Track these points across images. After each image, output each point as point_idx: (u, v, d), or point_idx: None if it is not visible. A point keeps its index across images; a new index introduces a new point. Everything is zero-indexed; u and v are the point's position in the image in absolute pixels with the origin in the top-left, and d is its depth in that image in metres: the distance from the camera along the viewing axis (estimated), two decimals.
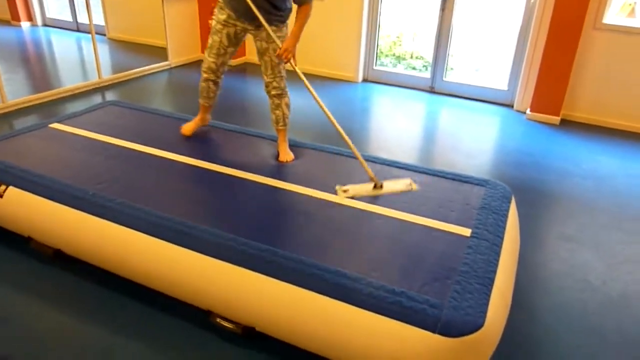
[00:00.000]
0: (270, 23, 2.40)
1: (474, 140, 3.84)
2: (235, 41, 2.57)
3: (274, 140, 2.78)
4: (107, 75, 4.94)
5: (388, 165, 2.56)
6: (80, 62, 5.96)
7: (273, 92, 2.62)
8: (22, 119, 3.91)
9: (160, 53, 5.57)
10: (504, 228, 2.00)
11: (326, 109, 2.51)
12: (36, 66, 5.74)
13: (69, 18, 7.33)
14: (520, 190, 3.05)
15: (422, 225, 2.02)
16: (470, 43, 6.21)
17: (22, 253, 2.24)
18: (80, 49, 6.48)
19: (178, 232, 1.88)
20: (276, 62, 2.52)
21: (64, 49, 6.52)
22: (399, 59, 5.54)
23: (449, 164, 3.41)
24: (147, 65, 5.32)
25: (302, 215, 2.07)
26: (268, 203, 2.17)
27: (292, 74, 2.59)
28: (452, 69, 5.22)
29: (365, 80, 5.28)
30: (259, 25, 2.45)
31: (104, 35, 6.78)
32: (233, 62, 5.66)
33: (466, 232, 1.95)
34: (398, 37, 5.61)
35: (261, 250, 1.77)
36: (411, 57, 5.49)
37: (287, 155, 2.62)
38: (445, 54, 4.79)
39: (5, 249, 2.27)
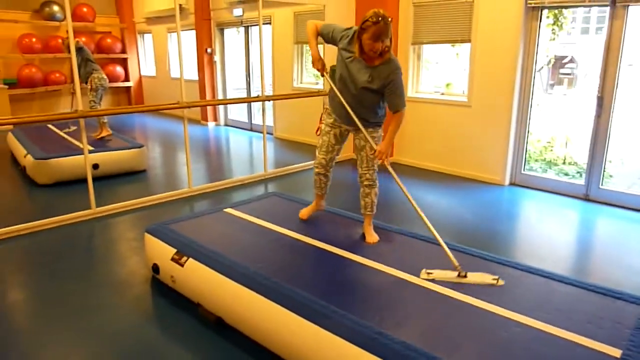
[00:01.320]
0: (366, 127, 2.85)
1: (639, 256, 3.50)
2: (341, 139, 3.06)
3: (430, 242, 2.87)
4: (271, 169, 5.65)
5: (529, 272, 2.50)
6: (249, 156, 6.91)
7: (365, 183, 2.98)
8: (200, 202, 4.65)
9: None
10: None
11: (414, 202, 2.77)
12: (215, 159, 6.80)
13: (245, 119, 8.62)
14: None
15: (565, 339, 1.93)
16: (633, 149, 5.78)
17: (193, 317, 2.63)
18: (251, 145, 7.53)
19: (320, 314, 2.08)
20: (371, 157, 2.91)
21: (238, 145, 7.64)
22: (549, 164, 5.39)
23: (606, 278, 3.15)
24: (305, 161, 5.96)
25: (437, 313, 2.13)
26: (406, 297, 2.27)
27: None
28: (611, 176, 4.90)
29: (512, 184, 5.21)
30: (358, 128, 2.87)
31: (271, 134, 7.81)
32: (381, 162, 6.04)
33: (616, 352, 1.82)
34: (549, 141, 5.50)
35: (394, 342, 1.87)
36: (563, 162, 5.30)
37: (372, 237, 2.95)
38: (602, 160, 4.55)
39: (180, 311, 2.70)
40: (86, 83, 5.90)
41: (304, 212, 3.26)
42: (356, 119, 2.83)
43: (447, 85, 5.92)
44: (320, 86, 6.85)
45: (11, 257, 3.45)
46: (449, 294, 2.29)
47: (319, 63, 2.89)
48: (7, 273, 3.23)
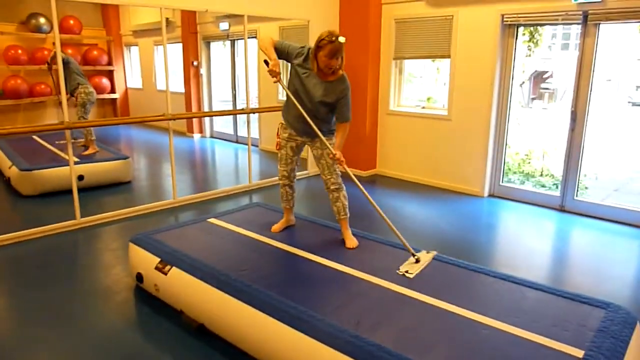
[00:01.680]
0: (324, 135, 3.05)
1: (611, 264, 3.62)
2: (297, 151, 3.24)
3: (401, 248, 3.02)
4: (255, 180, 5.72)
5: (502, 279, 2.61)
6: (234, 168, 6.97)
7: (332, 187, 3.14)
8: (185, 212, 4.70)
9: (301, 163, 6.31)
10: (624, 354, 1.92)
11: (376, 205, 3.07)
12: (200, 170, 6.85)
13: (231, 132, 8.70)
14: None
15: (531, 341, 2.03)
16: (609, 162, 5.97)
17: (176, 324, 2.68)
18: (236, 157, 7.59)
19: (298, 319, 2.15)
20: (330, 162, 3.10)
21: (224, 157, 7.70)
22: (527, 176, 5.55)
23: (578, 285, 3.27)
24: None
25: (411, 317, 2.22)
26: (382, 302, 2.36)
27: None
28: (586, 187, 5.07)
29: (491, 195, 5.35)
30: (313, 138, 3.10)
31: (257, 146, 7.88)
32: (364, 173, 6.17)
33: (578, 353, 1.92)
34: (527, 154, 5.66)
35: (369, 345, 1.95)
36: (541, 174, 5.46)
37: (352, 242, 3.10)
38: (576, 172, 4.71)
39: (163, 318, 2.75)
40: (72, 96, 5.87)
41: (276, 228, 3.34)
42: (315, 128, 2.98)
43: (428, 99, 6.07)
44: None
45: None
46: (422, 298, 2.38)
47: (277, 67, 2.96)
48: None
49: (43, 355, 2.44)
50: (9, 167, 5.28)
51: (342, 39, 2.80)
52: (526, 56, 5.28)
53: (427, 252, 2.91)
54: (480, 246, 3.97)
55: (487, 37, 4.98)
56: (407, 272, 2.66)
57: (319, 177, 6.06)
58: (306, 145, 3.22)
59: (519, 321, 2.17)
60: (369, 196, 3.06)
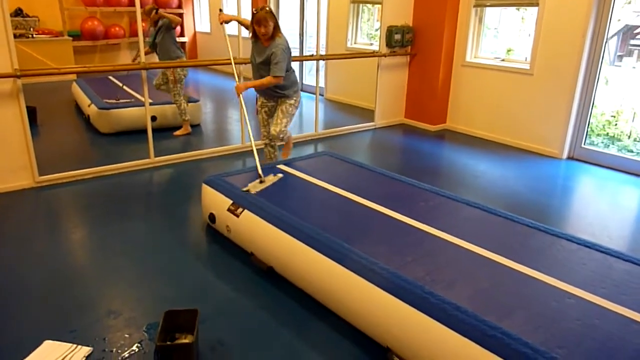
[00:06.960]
0: (279, 98, 3.70)
1: None
2: (270, 114, 3.84)
3: (466, 204, 2.91)
4: (321, 129, 5.67)
5: (588, 247, 2.45)
6: (299, 116, 6.92)
7: (267, 137, 3.91)
8: (252, 157, 4.74)
9: (367, 114, 6.18)
10: None
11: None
12: None
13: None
14: None
15: (619, 314, 1.90)
16: None
17: (245, 265, 2.76)
18: (300, 105, 7.51)
19: (370, 270, 2.13)
20: (280, 116, 3.68)
21: None
22: (612, 139, 5.13)
23: None
24: (355, 124, 5.94)
25: (491, 279, 2.14)
26: (458, 261, 2.28)
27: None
28: None
29: (570, 157, 5.02)
30: (276, 100, 3.70)
31: (322, 95, 7.77)
32: (433, 127, 5.96)
33: None
34: (614, 115, 5.22)
35: (444, 302, 1.90)
36: (628, 138, 5.04)
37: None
38: None
39: (234, 259, 2.83)
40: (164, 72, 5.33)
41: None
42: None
43: (508, 51, 5.67)
44: (375, 47, 6.73)
45: (76, 199, 3.68)
46: (500, 260, 2.28)
47: (226, 17, 3.76)
48: (73, 213, 3.46)
49: (121, 284, 2.59)
50: (88, 106, 5.51)
51: (268, 9, 3.32)
52: (626, 3, 4.75)
53: (274, 175, 3.18)
54: (556, 211, 3.76)
55: None
56: (248, 190, 2.93)
57: (385, 130, 5.92)
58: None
59: (606, 292, 2.03)
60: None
